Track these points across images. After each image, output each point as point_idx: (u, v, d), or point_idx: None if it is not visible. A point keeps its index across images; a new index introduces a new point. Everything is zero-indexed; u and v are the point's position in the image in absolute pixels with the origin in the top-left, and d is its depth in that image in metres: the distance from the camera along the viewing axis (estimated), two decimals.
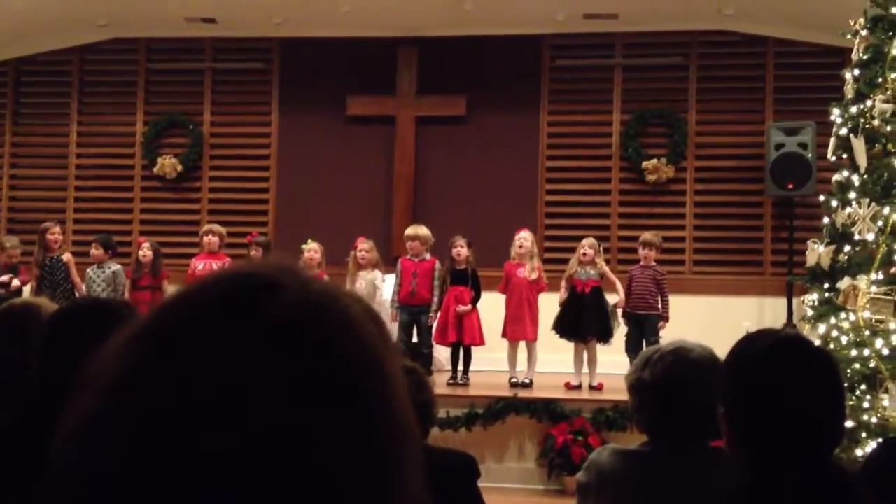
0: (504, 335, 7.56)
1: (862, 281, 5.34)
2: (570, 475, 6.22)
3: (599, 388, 7.30)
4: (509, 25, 9.21)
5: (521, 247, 7.56)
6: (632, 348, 7.25)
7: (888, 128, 5.53)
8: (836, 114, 6.20)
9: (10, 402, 2.09)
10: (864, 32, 5.98)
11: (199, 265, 8.06)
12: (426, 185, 9.49)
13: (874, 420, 5.04)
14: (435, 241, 7.74)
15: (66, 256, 8.23)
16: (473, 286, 7.50)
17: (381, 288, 7.82)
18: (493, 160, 9.40)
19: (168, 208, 9.91)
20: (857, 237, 5.60)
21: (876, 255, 5.37)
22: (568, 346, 7.52)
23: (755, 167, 8.96)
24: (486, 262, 7.82)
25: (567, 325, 7.43)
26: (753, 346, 1.73)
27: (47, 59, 10.18)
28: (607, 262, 8.22)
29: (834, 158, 6.35)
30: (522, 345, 7.58)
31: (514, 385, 7.32)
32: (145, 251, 8.13)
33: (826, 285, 6.01)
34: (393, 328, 7.70)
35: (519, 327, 7.48)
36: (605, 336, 7.38)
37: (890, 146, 5.63)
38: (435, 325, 7.59)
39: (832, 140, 6.29)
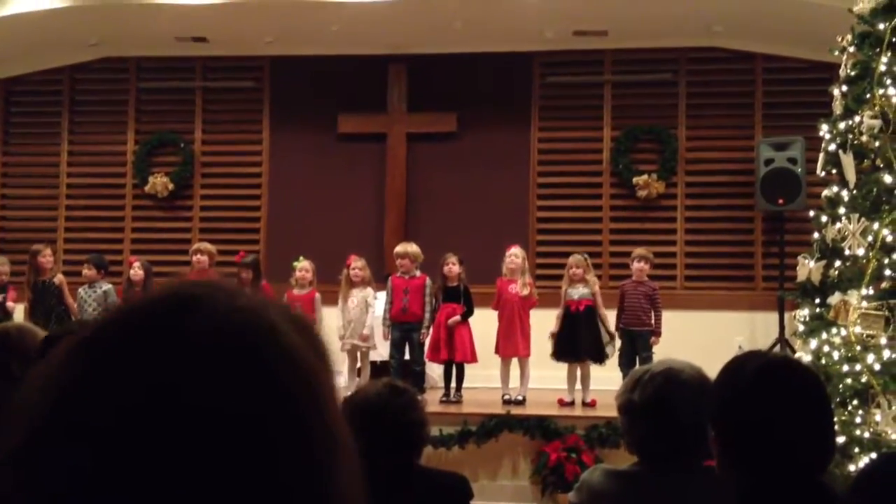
0: (496, 351, 7.56)
1: (853, 296, 5.35)
2: (563, 493, 6.20)
3: (592, 404, 7.28)
4: (499, 42, 9.25)
5: (511, 263, 7.57)
6: (625, 364, 7.25)
7: (876, 143, 5.56)
8: (824, 129, 6.22)
9: None
10: (851, 49, 6.01)
11: None
12: (418, 201, 9.50)
13: (866, 435, 5.04)
14: (426, 257, 7.75)
15: (59, 278, 8.20)
16: (466, 303, 7.50)
17: (373, 305, 7.81)
18: (485, 176, 9.42)
19: (159, 227, 9.89)
20: (847, 252, 5.61)
21: (866, 270, 5.38)
22: (560, 363, 7.52)
23: (745, 182, 8.99)
24: (478, 278, 7.82)
25: (562, 346, 7.42)
26: (742, 368, 1.74)
27: (38, 79, 10.17)
28: (598, 277, 8.23)
29: (823, 174, 6.37)
30: (515, 361, 7.58)
31: (507, 402, 7.31)
32: (136, 270, 8.11)
33: (817, 300, 6.02)
34: (385, 346, 7.70)
35: (510, 343, 7.48)
36: (600, 358, 7.38)
37: (878, 161, 5.66)
38: (427, 342, 7.58)
39: (821, 155, 6.31)
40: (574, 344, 7.39)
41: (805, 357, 5.48)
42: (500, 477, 6.76)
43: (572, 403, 7.37)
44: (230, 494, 0.58)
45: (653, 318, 7.57)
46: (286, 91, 9.83)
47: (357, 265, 7.83)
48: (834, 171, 6.13)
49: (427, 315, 7.57)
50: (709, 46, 9.26)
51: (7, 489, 0.59)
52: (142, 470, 0.56)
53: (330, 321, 7.82)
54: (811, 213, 6.59)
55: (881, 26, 5.72)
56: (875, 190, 5.60)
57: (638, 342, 7.45)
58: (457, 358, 7.45)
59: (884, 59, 5.59)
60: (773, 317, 8.43)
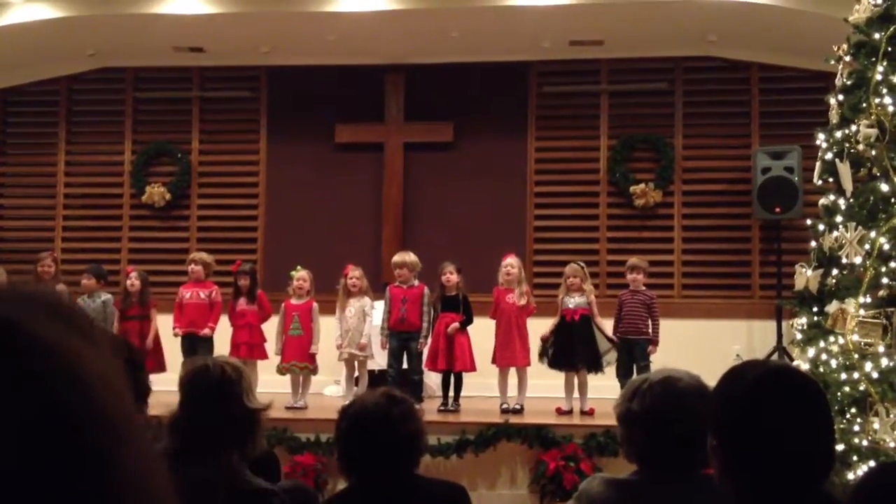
0: (494, 361, 7.55)
1: (850, 304, 5.35)
2: (562, 501, 6.18)
3: (590, 413, 7.28)
4: (495, 53, 9.27)
5: (507, 274, 7.57)
6: (622, 373, 7.24)
7: (873, 152, 5.57)
8: (821, 138, 6.24)
9: None
10: (847, 58, 6.03)
11: (187, 294, 8.04)
12: (415, 211, 9.50)
13: (865, 443, 5.04)
14: (423, 267, 7.75)
15: (60, 287, 8.20)
16: (465, 312, 7.50)
17: (371, 315, 7.80)
18: (481, 186, 9.42)
19: (156, 237, 9.88)
20: (844, 261, 5.62)
21: (863, 278, 5.39)
22: (558, 372, 7.51)
23: (742, 191, 9.00)
24: (476, 287, 7.82)
25: (558, 355, 7.42)
26: (742, 376, 1.73)
27: (35, 89, 10.18)
28: (596, 286, 8.23)
29: (820, 182, 6.38)
30: (513, 370, 7.57)
31: (505, 411, 7.31)
32: (133, 280, 8.10)
33: (814, 309, 6.02)
34: (383, 355, 7.69)
35: (509, 353, 7.48)
36: (596, 367, 7.38)
37: (875, 170, 5.67)
38: (426, 351, 7.57)
39: (818, 164, 6.32)
40: (569, 353, 7.38)
41: (803, 365, 5.48)
42: (499, 486, 6.75)
43: (570, 412, 7.37)
44: None
45: (650, 327, 7.57)
46: (283, 101, 9.84)
47: (354, 275, 7.83)
48: (831, 180, 6.15)
49: (425, 324, 7.56)
50: (705, 56, 9.28)
51: None
52: None
53: (328, 330, 7.82)
54: (808, 222, 6.60)
55: (877, 36, 5.74)
56: (872, 198, 5.61)
57: (635, 351, 7.45)
58: (456, 368, 7.44)
59: (879, 69, 5.61)
60: (771, 325, 8.44)
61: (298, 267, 8.00)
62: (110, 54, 9.80)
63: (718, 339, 8.41)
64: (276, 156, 9.82)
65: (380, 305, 7.84)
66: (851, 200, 5.76)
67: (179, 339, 7.86)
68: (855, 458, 4.99)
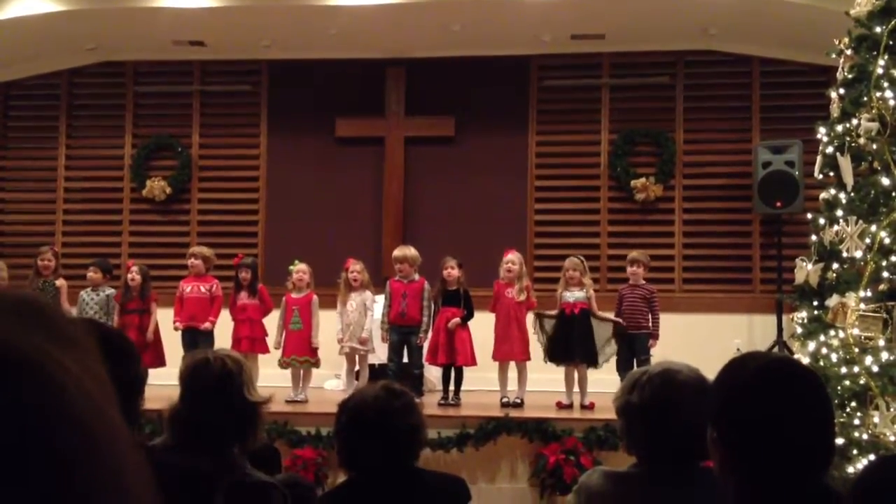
0: (493, 356, 7.55)
1: (851, 298, 5.35)
2: (562, 495, 6.20)
3: (591, 407, 7.28)
4: (497, 46, 9.25)
5: (508, 271, 7.56)
6: (623, 367, 7.23)
7: (874, 146, 5.57)
8: (822, 132, 6.23)
9: None
10: (848, 52, 6.03)
11: (187, 288, 8.04)
12: (415, 205, 9.50)
13: (865, 437, 5.04)
14: (424, 261, 7.74)
15: (59, 282, 8.25)
16: (466, 306, 7.50)
17: (372, 309, 7.81)
18: (482, 180, 9.42)
19: (157, 231, 9.89)
20: (845, 255, 5.62)
21: (864, 272, 5.39)
22: (558, 366, 7.52)
23: (743, 185, 9.00)
24: (476, 281, 7.81)
25: (557, 350, 7.42)
26: (742, 368, 1.73)
27: (35, 83, 10.17)
28: (596, 280, 8.23)
29: (821, 176, 6.37)
30: (513, 364, 7.58)
31: (505, 405, 7.31)
32: (134, 275, 8.10)
33: (815, 303, 6.03)
34: (384, 348, 7.70)
35: (507, 347, 7.48)
36: (593, 361, 7.38)
37: (876, 164, 5.67)
38: (426, 345, 7.58)
39: (819, 158, 6.32)
40: (568, 346, 7.39)
41: (803, 359, 5.48)
42: (499, 479, 6.75)
43: (570, 406, 7.37)
44: None
45: (650, 321, 7.58)
46: (284, 95, 9.83)
47: (355, 268, 7.83)
48: (831, 174, 6.14)
49: (425, 318, 7.56)
50: (706, 50, 9.27)
51: None
52: None
53: (328, 324, 7.82)
54: (809, 216, 6.60)
55: (878, 29, 5.73)
56: (873, 192, 5.61)
57: (636, 345, 7.45)
58: (458, 362, 7.44)
59: (881, 62, 5.61)
60: (772, 319, 8.44)
61: (296, 261, 8.00)
62: (111, 48, 9.79)
63: (719, 333, 8.41)
64: (276, 150, 9.82)
65: (381, 299, 7.84)
66: (852, 194, 5.76)
67: (180, 333, 7.86)
68: (855, 451, 5.00)
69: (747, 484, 1.67)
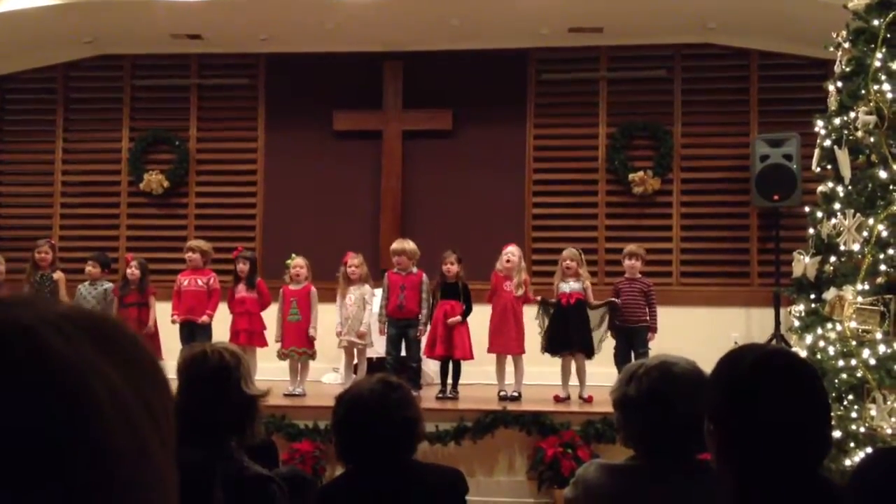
0: (488, 349, 7.55)
1: (848, 291, 5.35)
2: (560, 488, 6.21)
3: (589, 400, 7.29)
4: (495, 40, 9.24)
5: (508, 262, 7.56)
6: (621, 360, 7.25)
7: (871, 139, 5.56)
8: (819, 125, 6.22)
9: None
10: (846, 45, 6.01)
11: (185, 281, 8.04)
12: (413, 198, 9.50)
13: (862, 430, 5.04)
14: (422, 254, 7.75)
15: (58, 275, 8.27)
16: (465, 300, 7.50)
17: (370, 302, 7.81)
18: (480, 174, 9.41)
19: (155, 224, 9.88)
20: (842, 248, 5.61)
21: (861, 265, 5.39)
22: (556, 359, 7.53)
23: (741, 179, 9.00)
24: (474, 275, 7.81)
25: (554, 340, 7.43)
26: (739, 360, 1.73)
27: (32, 77, 10.15)
28: (594, 274, 8.23)
29: (819, 170, 6.37)
30: (510, 358, 7.58)
31: (502, 398, 7.32)
32: (133, 269, 8.11)
33: (812, 296, 6.03)
34: (382, 342, 7.70)
35: (503, 339, 7.48)
36: (588, 351, 7.39)
37: (873, 157, 5.66)
38: (424, 338, 7.58)
39: (816, 151, 6.31)
40: (564, 337, 7.40)
41: (801, 352, 5.48)
42: (497, 472, 6.76)
43: (568, 399, 7.38)
44: None
45: (648, 314, 7.58)
46: (281, 88, 9.82)
47: (354, 262, 7.83)
48: (829, 167, 6.14)
49: (424, 311, 7.57)
50: (704, 43, 9.26)
51: None
52: None
53: (327, 318, 7.83)
54: (807, 209, 6.59)
55: (876, 22, 5.72)
56: (870, 185, 5.61)
57: (634, 338, 7.46)
58: (456, 355, 7.45)
59: (878, 55, 5.60)
60: (769, 312, 8.45)
61: (293, 255, 8.00)
62: (108, 41, 9.77)
63: (717, 326, 8.41)
64: (274, 143, 9.81)
65: (379, 293, 7.84)
66: (850, 187, 5.76)
67: (178, 326, 7.87)
68: (852, 444, 5.00)
69: (744, 476, 1.67)
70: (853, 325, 5.29)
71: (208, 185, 9.89)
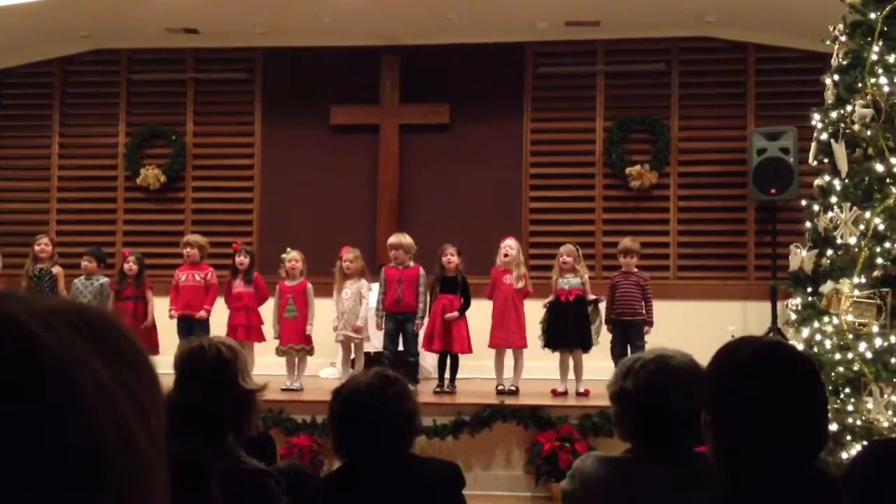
0: (490, 343, 7.56)
1: (845, 284, 5.36)
2: (557, 482, 6.21)
3: (586, 394, 7.30)
4: (492, 33, 9.23)
5: (506, 255, 7.57)
6: (618, 354, 7.25)
7: (868, 132, 5.56)
8: (816, 119, 6.23)
9: None
10: (843, 38, 6.01)
11: (183, 276, 8.04)
12: (410, 193, 9.49)
13: (858, 423, 5.05)
14: (419, 248, 7.75)
15: (57, 269, 8.29)
16: (463, 294, 7.50)
17: (367, 297, 7.80)
18: (477, 168, 9.41)
19: (152, 219, 9.87)
20: (839, 241, 5.62)
21: (858, 258, 5.39)
22: (554, 353, 7.54)
23: (738, 172, 9.00)
24: (471, 269, 7.81)
25: (552, 335, 7.44)
26: (736, 353, 1.73)
27: (28, 71, 10.13)
28: (591, 268, 8.23)
29: (815, 163, 6.37)
30: (509, 352, 7.59)
31: (500, 392, 7.32)
32: (131, 264, 8.10)
33: (809, 289, 6.04)
34: (379, 336, 7.70)
35: (504, 333, 7.49)
36: (586, 346, 7.41)
37: (870, 151, 5.66)
38: (422, 332, 7.58)
39: (813, 145, 6.31)
40: (564, 333, 7.41)
41: (797, 346, 5.49)
42: (494, 466, 6.77)
43: (565, 393, 7.39)
44: None
45: (644, 307, 7.59)
46: (278, 82, 9.80)
47: (349, 257, 7.82)
48: (826, 161, 6.14)
49: (421, 306, 7.57)
50: (701, 36, 9.26)
51: None
52: None
53: (323, 312, 7.82)
54: (803, 203, 6.60)
55: (872, 15, 5.72)
56: (867, 179, 5.61)
57: (631, 332, 7.47)
58: (454, 349, 7.46)
59: (875, 49, 5.59)
60: (766, 306, 8.46)
61: (288, 249, 7.99)
62: (104, 36, 9.75)
63: (714, 319, 8.43)
64: (270, 137, 9.80)
65: (376, 287, 7.84)
66: (847, 181, 5.76)
67: (176, 321, 7.86)
68: (849, 437, 5.01)
69: (741, 468, 1.67)
70: (850, 318, 5.30)
71: (205, 179, 9.87)
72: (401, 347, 7.61)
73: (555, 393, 7.39)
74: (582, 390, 7.36)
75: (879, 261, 5.32)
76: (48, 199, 10.03)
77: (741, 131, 9.16)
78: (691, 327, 7.81)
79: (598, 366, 7.08)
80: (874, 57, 5.59)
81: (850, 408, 5.12)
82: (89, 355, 0.58)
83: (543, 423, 6.69)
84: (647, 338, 7.42)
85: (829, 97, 6.13)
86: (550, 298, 7.54)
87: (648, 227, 9.21)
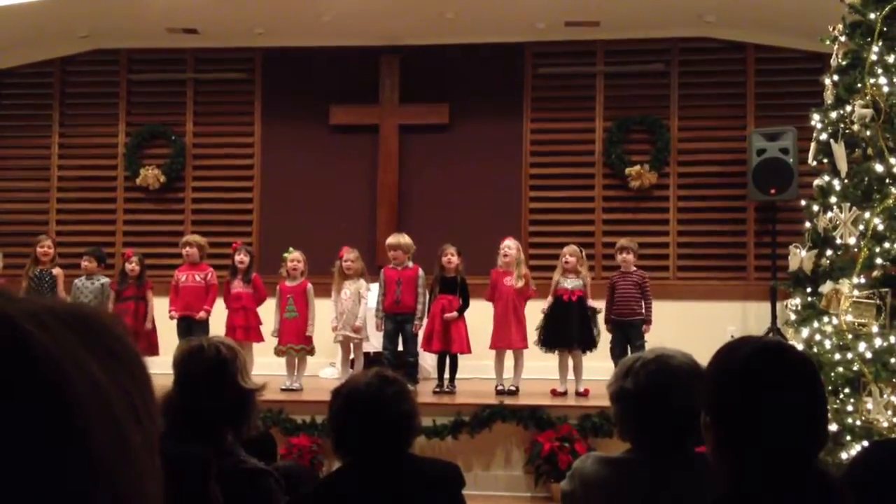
0: (491, 344, 7.56)
1: (844, 285, 5.36)
2: (557, 482, 6.21)
3: (585, 394, 7.30)
4: (491, 33, 9.23)
5: (505, 255, 7.57)
6: (618, 354, 7.26)
7: (868, 133, 5.56)
8: (816, 119, 6.23)
9: None
10: (843, 38, 6.01)
11: (183, 277, 8.04)
12: (410, 193, 9.49)
13: (858, 423, 5.05)
14: (418, 249, 7.75)
15: (57, 270, 8.29)
16: (462, 294, 7.50)
17: (366, 297, 7.80)
18: (477, 168, 9.40)
19: (151, 219, 9.86)
20: (838, 241, 5.62)
21: (858, 258, 5.39)
22: (553, 354, 7.53)
23: (737, 173, 9.00)
24: (471, 269, 7.81)
25: (552, 335, 7.44)
26: (736, 352, 1.73)
27: (28, 71, 10.13)
28: (591, 268, 8.23)
29: (815, 163, 6.38)
30: (509, 352, 7.59)
31: (500, 392, 7.32)
32: (134, 265, 8.10)
33: (809, 289, 6.04)
34: (378, 336, 7.70)
35: (504, 335, 7.49)
36: (590, 346, 7.40)
37: (870, 151, 5.66)
38: (421, 333, 7.58)
39: (813, 145, 6.32)
40: (565, 333, 7.40)
41: (797, 346, 5.49)
42: (494, 467, 6.77)
43: (565, 393, 7.39)
44: None
45: (643, 307, 7.59)
46: (278, 82, 9.80)
47: (349, 257, 7.82)
48: (826, 161, 6.14)
49: (420, 306, 7.57)
50: (701, 37, 9.26)
51: None
52: None
53: (323, 312, 7.82)
54: (803, 203, 6.61)
55: (872, 16, 5.72)
56: (866, 179, 5.61)
57: (630, 332, 7.47)
58: (454, 349, 7.46)
59: (875, 49, 5.60)
60: (766, 306, 8.46)
61: (290, 248, 7.99)
62: (103, 36, 9.75)
63: (713, 320, 8.43)
64: (270, 138, 9.79)
65: (375, 288, 7.84)
66: (846, 181, 5.76)
67: (175, 322, 7.86)
68: (848, 437, 5.01)
69: (741, 468, 1.67)
70: (849, 318, 5.30)
71: (205, 179, 9.87)
72: (400, 348, 7.60)
73: (554, 393, 7.39)
74: (581, 390, 7.35)
75: (879, 261, 5.32)
76: (48, 199, 10.03)
77: (741, 131, 9.16)
78: (691, 327, 7.80)
79: (598, 366, 7.08)
80: (874, 57, 5.59)
81: (849, 408, 5.12)
82: (83, 354, 0.58)
83: (543, 423, 6.69)
84: (646, 337, 7.42)
85: (829, 97, 6.13)
86: (549, 301, 7.53)
87: (648, 227, 9.21)
